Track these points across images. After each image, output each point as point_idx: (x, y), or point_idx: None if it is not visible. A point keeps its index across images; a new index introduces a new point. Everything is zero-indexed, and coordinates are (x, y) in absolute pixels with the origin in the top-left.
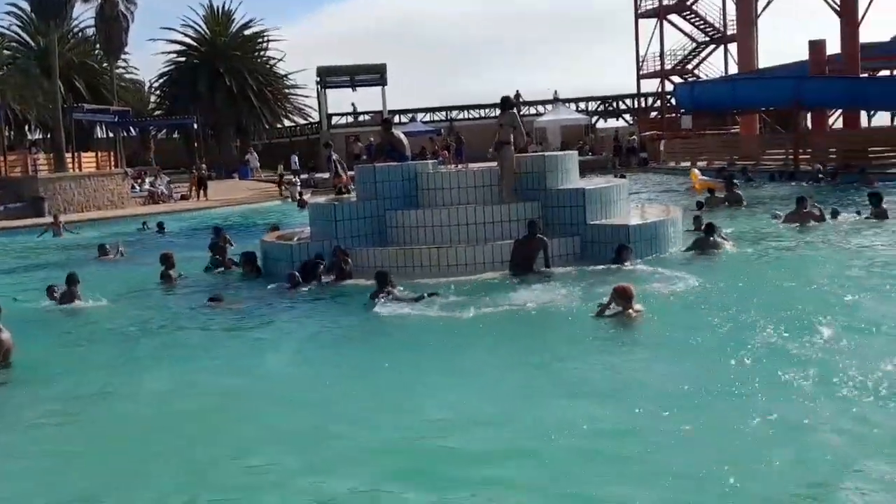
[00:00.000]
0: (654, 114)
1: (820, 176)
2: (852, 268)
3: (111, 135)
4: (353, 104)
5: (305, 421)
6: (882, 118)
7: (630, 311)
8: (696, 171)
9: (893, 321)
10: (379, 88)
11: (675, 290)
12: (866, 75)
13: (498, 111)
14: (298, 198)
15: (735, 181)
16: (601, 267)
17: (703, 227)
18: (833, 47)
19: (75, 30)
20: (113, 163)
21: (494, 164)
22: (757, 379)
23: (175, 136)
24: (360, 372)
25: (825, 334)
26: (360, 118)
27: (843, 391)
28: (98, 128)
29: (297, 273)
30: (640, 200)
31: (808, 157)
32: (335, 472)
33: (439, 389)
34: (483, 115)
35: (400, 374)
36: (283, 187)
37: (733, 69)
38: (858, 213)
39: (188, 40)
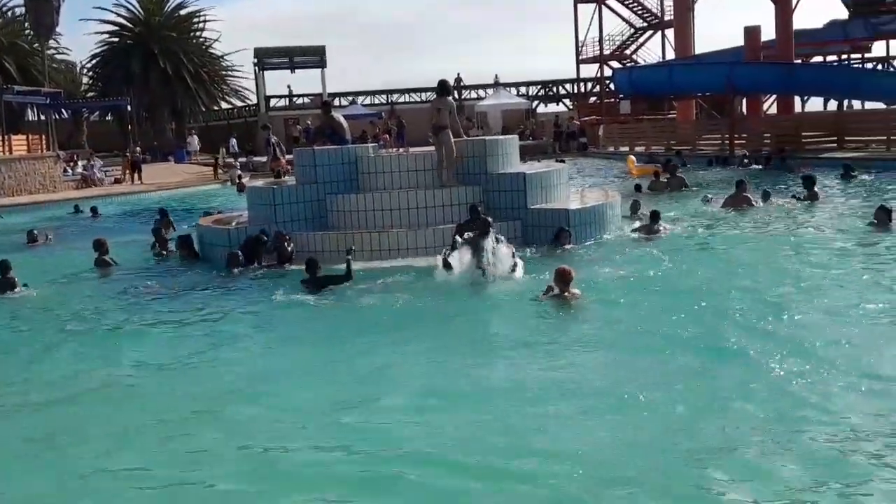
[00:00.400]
0: (593, 99)
1: (745, 161)
2: (783, 250)
3: (42, 117)
4: (288, 86)
5: (190, 408)
6: (816, 103)
7: (567, 293)
8: (633, 157)
9: (825, 304)
10: (318, 71)
11: (613, 273)
12: (799, 61)
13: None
14: (238, 181)
15: (675, 165)
16: (542, 251)
17: (639, 212)
18: (768, 33)
19: (4, 9)
20: (45, 146)
21: (434, 148)
22: (686, 360)
23: (108, 118)
24: (274, 359)
25: (757, 317)
26: (300, 101)
27: (766, 371)
28: (29, 110)
29: (239, 252)
30: (580, 185)
31: (743, 142)
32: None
33: (363, 374)
34: (425, 98)
35: (318, 361)
36: (219, 171)
37: (671, 55)
38: (795, 197)
39: (121, 20)
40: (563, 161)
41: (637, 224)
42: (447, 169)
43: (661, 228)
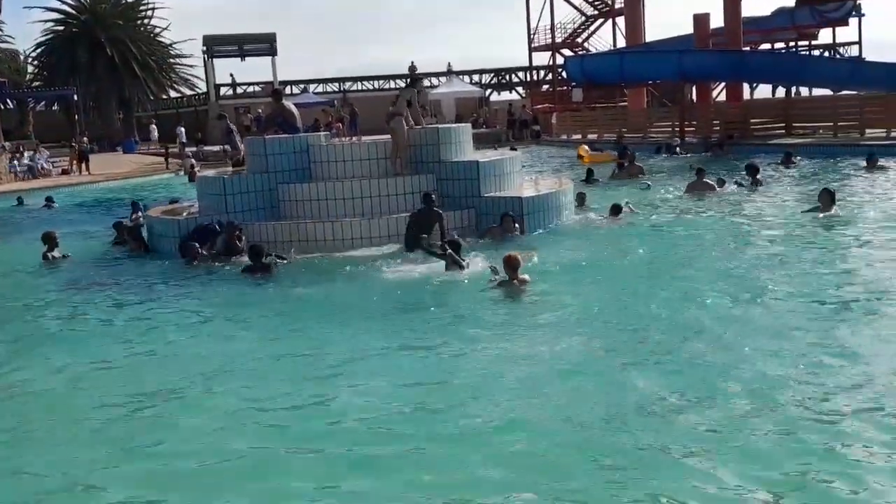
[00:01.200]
0: (546, 87)
1: (677, 150)
2: (735, 235)
3: None
4: (231, 75)
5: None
6: (764, 90)
7: (515, 280)
8: (585, 146)
9: (773, 288)
10: (269, 59)
11: (563, 258)
12: (748, 49)
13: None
14: (191, 170)
15: (629, 152)
16: (496, 239)
17: (585, 204)
18: (717, 21)
19: None
20: None
21: (388, 136)
22: (635, 346)
23: (55, 108)
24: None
25: (706, 302)
26: (251, 89)
27: (705, 356)
28: None
29: (196, 245)
30: (532, 172)
31: (693, 129)
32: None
33: (309, 363)
34: (377, 86)
35: (266, 355)
36: (168, 160)
37: (622, 43)
38: (738, 183)
39: (66, 8)
40: (515, 149)
41: (586, 215)
42: (399, 157)
43: (620, 216)
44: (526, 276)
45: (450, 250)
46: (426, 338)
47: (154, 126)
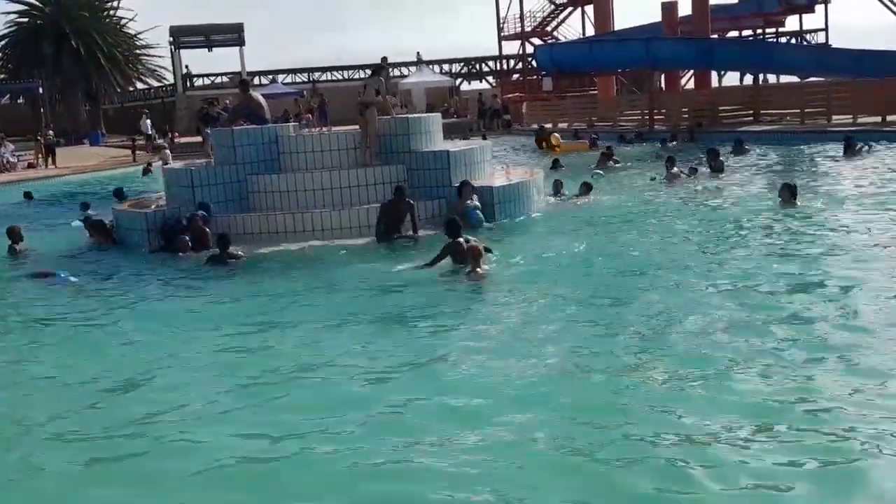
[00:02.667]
0: (516, 76)
1: (632, 139)
2: (688, 224)
3: None
4: (186, 66)
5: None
6: (732, 78)
7: (478, 269)
8: (556, 135)
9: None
10: (237, 49)
11: (531, 248)
12: (715, 36)
13: (369, 73)
14: (169, 162)
15: (598, 141)
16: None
17: (561, 192)
18: (685, 9)
19: None
20: None
21: (358, 126)
22: (594, 331)
23: (20, 101)
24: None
25: (658, 286)
26: (218, 80)
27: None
28: None
29: (185, 238)
30: (503, 162)
31: (662, 117)
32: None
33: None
34: (347, 76)
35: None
36: (135, 153)
37: (591, 31)
38: (694, 169)
39: (31, 0)
40: (485, 138)
41: (560, 201)
42: (369, 147)
43: (588, 199)
44: (487, 267)
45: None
46: (390, 331)
47: (147, 120)
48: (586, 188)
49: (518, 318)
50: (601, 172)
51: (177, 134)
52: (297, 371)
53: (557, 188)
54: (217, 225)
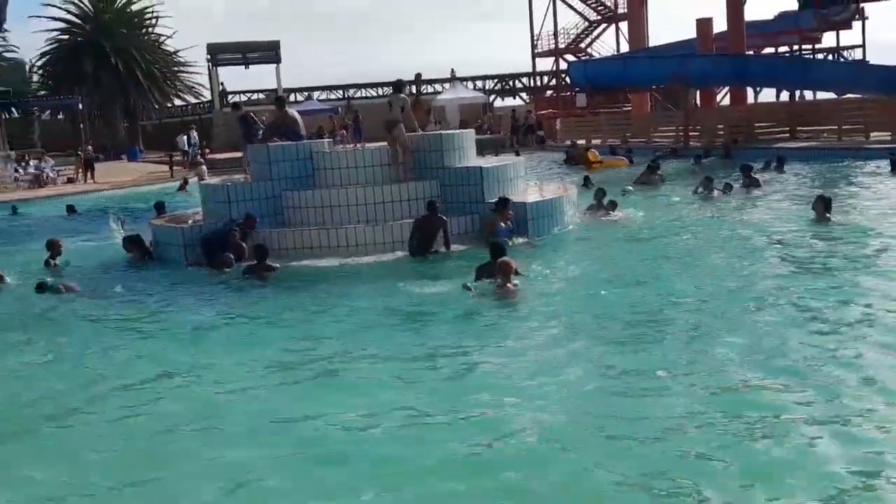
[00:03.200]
0: (549, 92)
1: (661, 155)
2: (721, 241)
3: None
4: (221, 84)
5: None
6: (769, 94)
7: (509, 285)
8: (594, 151)
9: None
10: (273, 66)
11: (563, 265)
12: (751, 53)
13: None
14: (204, 178)
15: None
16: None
17: (604, 200)
18: (720, 25)
19: None
20: None
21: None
22: (621, 356)
23: (60, 116)
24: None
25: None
26: (254, 97)
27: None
28: None
29: (230, 256)
30: (537, 178)
31: (697, 133)
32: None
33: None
34: (381, 93)
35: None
36: (173, 168)
37: (625, 48)
38: (729, 185)
39: (71, 17)
40: (518, 154)
41: (597, 208)
42: (403, 163)
43: (616, 214)
44: (516, 281)
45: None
46: (422, 348)
47: (194, 132)
48: (612, 205)
49: (545, 335)
50: (631, 189)
51: (208, 151)
52: (332, 381)
53: (599, 199)
54: (252, 240)
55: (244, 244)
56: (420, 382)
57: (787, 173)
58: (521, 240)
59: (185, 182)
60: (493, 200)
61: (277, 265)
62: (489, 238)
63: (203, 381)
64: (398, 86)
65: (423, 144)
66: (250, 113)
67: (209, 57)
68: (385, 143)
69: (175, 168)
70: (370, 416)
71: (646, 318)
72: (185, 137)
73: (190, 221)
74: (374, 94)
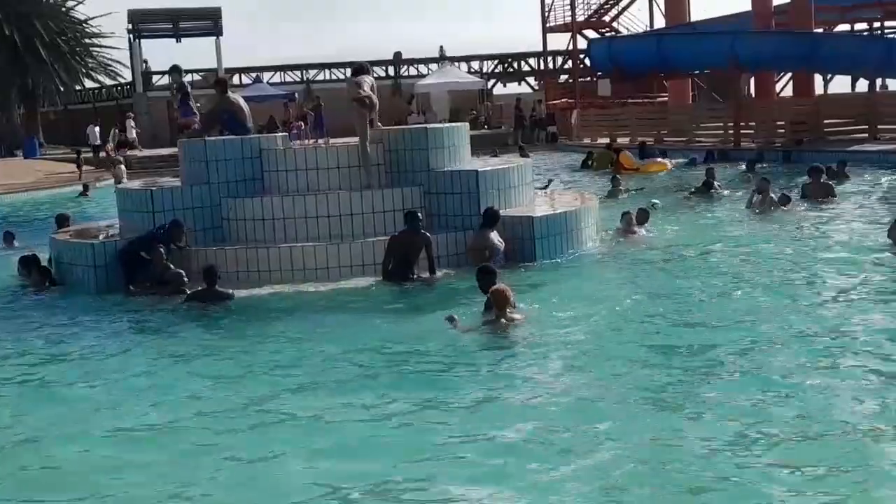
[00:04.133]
0: (564, 77)
1: (695, 158)
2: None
3: None
4: (145, 61)
5: None
6: (842, 83)
7: (503, 319)
8: (628, 153)
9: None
10: (212, 40)
11: (573, 295)
12: (821, 30)
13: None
14: (122, 180)
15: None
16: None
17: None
18: None
19: None
20: None
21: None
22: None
23: None
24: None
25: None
26: (187, 78)
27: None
28: None
29: (180, 272)
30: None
31: (751, 131)
32: None
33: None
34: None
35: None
36: (82, 168)
37: (660, 22)
38: (787, 197)
39: None
40: (528, 155)
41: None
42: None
43: (639, 231)
44: (518, 315)
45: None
46: (395, 397)
47: (97, 125)
48: (643, 216)
49: (546, 384)
50: (658, 202)
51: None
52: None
53: (643, 220)
54: (184, 258)
55: (168, 262)
56: (389, 450)
57: (850, 180)
58: (526, 264)
59: (86, 189)
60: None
61: (231, 292)
62: (476, 262)
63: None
64: (356, 71)
65: (401, 141)
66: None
67: (130, 27)
68: (353, 140)
69: (85, 168)
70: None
71: (678, 377)
72: (98, 129)
73: (102, 236)
74: (341, 76)
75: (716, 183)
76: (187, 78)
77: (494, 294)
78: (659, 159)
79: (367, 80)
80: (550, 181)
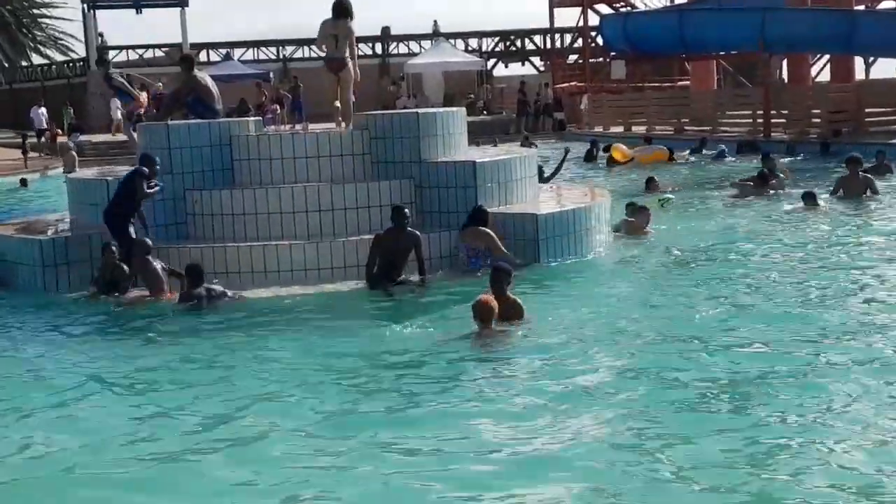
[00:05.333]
0: (573, 57)
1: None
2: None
3: None
4: (100, 34)
5: None
6: (885, 67)
7: (486, 330)
8: (622, 146)
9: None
10: (176, 11)
11: (576, 304)
12: (862, 7)
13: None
14: (71, 169)
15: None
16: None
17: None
18: None
19: None
20: None
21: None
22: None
23: None
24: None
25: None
26: (148, 53)
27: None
28: None
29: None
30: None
31: (783, 120)
32: None
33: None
34: None
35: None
36: (28, 155)
37: None
38: (810, 196)
39: None
40: (533, 145)
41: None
42: (342, 111)
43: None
44: (502, 327)
45: None
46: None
47: (40, 109)
48: (644, 216)
49: (533, 408)
50: (671, 196)
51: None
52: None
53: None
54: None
55: (123, 264)
56: (372, 480)
57: (886, 177)
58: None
59: (25, 181)
60: (491, 210)
61: (230, 292)
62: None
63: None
64: (342, 8)
65: (389, 128)
66: (120, 75)
67: None
68: (334, 126)
69: (30, 155)
70: None
71: (695, 399)
72: (44, 111)
73: (51, 231)
74: (323, 54)
75: (780, 175)
76: (148, 53)
77: (477, 308)
78: (657, 147)
79: (343, 31)
80: (568, 150)
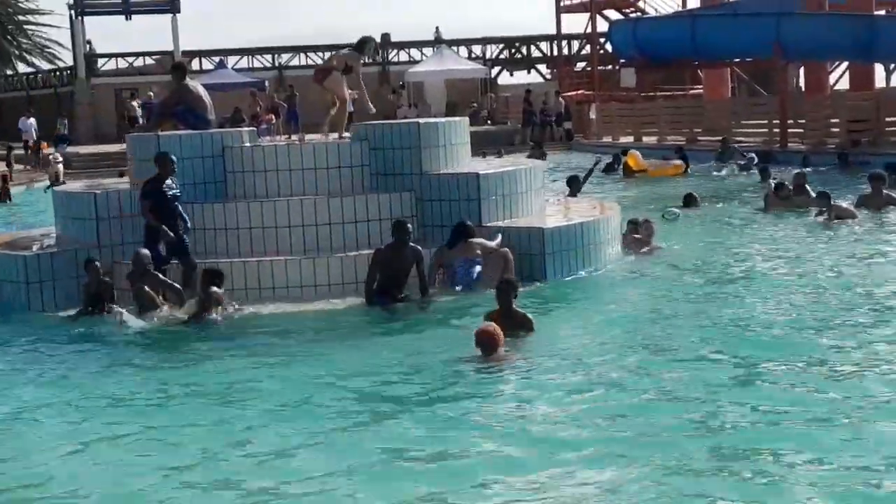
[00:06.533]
0: (581, 65)
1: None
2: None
3: None
4: (88, 42)
5: None
6: None
7: (493, 357)
8: (636, 153)
9: None
10: (168, 18)
11: (580, 324)
12: (882, 13)
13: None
14: (57, 181)
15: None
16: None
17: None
18: None
19: None
20: None
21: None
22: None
23: None
24: None
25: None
26: (140, 61)
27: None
28: None
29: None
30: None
31: (800, 130)
32: None
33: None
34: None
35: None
36: (11, 168)
37: (695, 2)
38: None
39: None
40: (543, 156)
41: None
42: (331, 120)
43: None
44: (505, 351)
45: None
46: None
47: (29, 120)
48: (647, 229)
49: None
50: (676, 211)
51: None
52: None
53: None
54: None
55: (108, 280)
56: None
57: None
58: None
59: (6, 192)
60: (496, 223)
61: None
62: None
63: None
64: (361, 43)
65: (389, 139)
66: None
67: (72, 2)
68: (333, 136)
69: (16, 168)
70: None
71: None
72: (33, 121)
73: (36, 247)
74: (319, 60)
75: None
76: (138, 62)
77: (479, 338)
78: (674, 161)
79: (352, 58)
80: (599, 160)
